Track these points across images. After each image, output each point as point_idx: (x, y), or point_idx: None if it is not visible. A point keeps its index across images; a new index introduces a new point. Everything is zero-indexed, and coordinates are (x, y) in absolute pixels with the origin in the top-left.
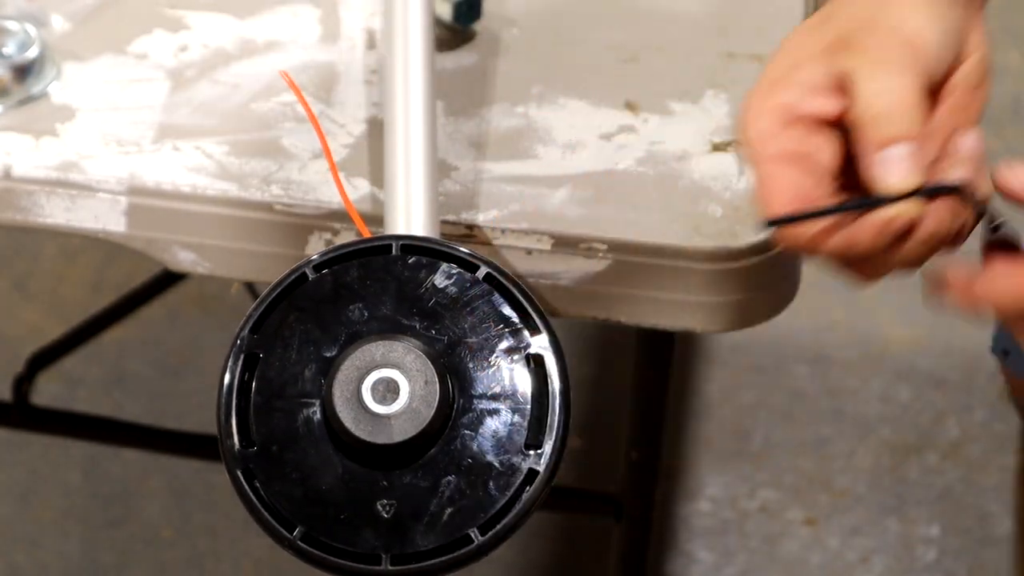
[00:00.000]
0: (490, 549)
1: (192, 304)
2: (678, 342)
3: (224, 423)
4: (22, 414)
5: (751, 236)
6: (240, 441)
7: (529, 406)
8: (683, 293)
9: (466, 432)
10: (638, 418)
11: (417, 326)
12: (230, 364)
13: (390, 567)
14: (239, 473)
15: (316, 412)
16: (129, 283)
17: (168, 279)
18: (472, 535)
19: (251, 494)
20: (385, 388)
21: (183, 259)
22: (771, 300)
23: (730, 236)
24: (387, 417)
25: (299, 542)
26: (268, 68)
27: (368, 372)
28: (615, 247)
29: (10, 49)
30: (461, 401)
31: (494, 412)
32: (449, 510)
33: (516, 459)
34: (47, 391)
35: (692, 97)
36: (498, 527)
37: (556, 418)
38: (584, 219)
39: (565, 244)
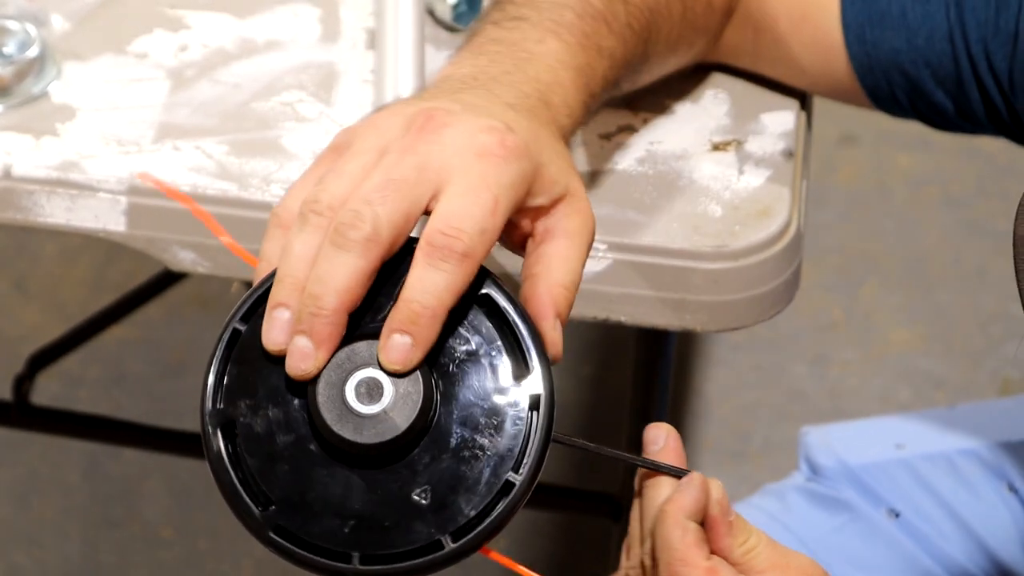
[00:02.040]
0: (462, 556)
1: (192, 304)
2: (678, 342)
3: (209, 392)
4: (22, 414)
5: (751, 235)
6: (215, 404)
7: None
8: (683, 293)
9: (446, 438)
10: (638, 418)
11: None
12: (219, 354)
13: (359, 566)
14: (213, 430)
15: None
16: (129, 283)
17: (168, 279)
18: (443, 541)
19: (227, 462)
20: (368, 388)
21: (183, 258)
22: (771, 300)
23: (729, 235)
24: (369, 416)
25: (269, 531)
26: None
27: (353, 372)
28: (615, 247)
29: (10, 49)
30: (442, 408)
31: (475, 418)
32: (353, 522)
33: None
34: (47, 391)
35: (692, 97)
36: (471, 535)
37: (536, 433)
38: None
39: None
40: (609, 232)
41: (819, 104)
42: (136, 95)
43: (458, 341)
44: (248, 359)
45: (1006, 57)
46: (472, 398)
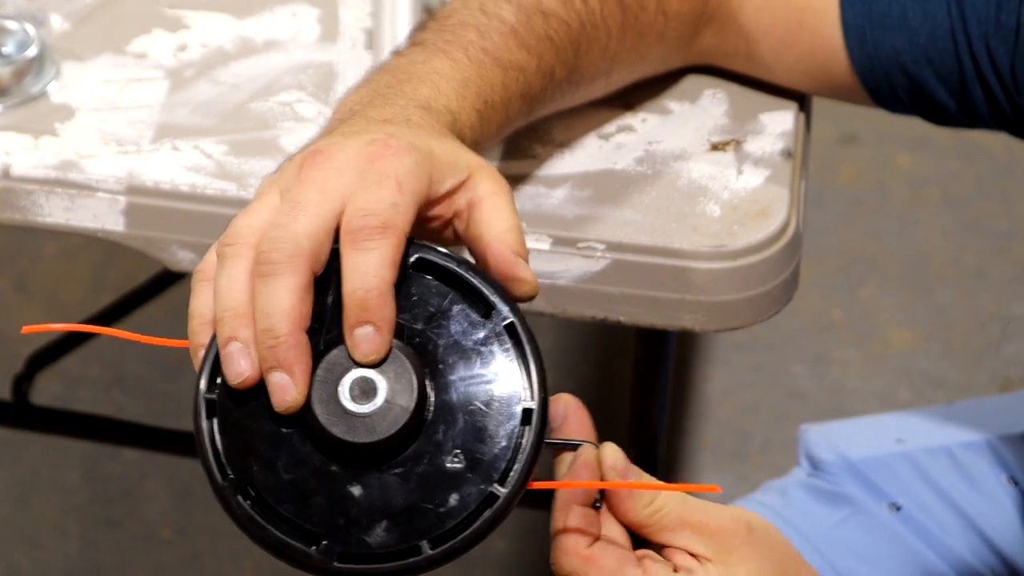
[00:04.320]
0: (515, 497)
1: None
2: (678, 342)
3: (213, 468)
4: (22, 414)
5: (750, 235)
6: (224, 476)
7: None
8: (682, 292)
9: (450, 400)
10: (638, 418)
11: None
12: (204, 430)
13: (431, 552)
14: (233, 500)
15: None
16: (129, 283)
17: (168, 279)
18: (495, 491)
19: (262, 522)
20: (360, 389)
21: (182, 258)
22: (770, 299)
23: (728, 235)
24: (375, 412)
25: (333, 563)
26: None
27: (339, 381)
28: (614, 247)
29: (9, 48)
30: (433, 375)
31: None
32: (404, 518)
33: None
34: (47, 391)
35: (690, 97)
36: (514, 475)
37: (528, 357)
38: (583, 219)
39: (564, 244)
40: (608, 232)
41: (819, 104)
42: (135, 95)
43: (416, 313)
44: (231, 422)
45: (1008, 53)
46: (455, 355)
